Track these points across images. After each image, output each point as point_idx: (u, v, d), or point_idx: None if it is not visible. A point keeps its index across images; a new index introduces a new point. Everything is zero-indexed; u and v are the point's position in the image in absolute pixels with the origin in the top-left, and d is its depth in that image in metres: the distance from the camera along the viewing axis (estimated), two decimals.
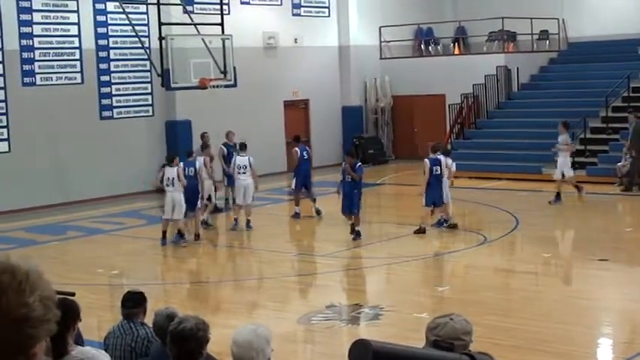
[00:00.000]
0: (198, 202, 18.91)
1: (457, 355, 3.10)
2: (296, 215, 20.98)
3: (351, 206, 18.07)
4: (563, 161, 21.98)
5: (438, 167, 18.71)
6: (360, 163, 18.61)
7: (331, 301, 13.60)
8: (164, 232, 18.38)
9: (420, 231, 18.55)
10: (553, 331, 11.70)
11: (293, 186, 21.22)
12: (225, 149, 22.37)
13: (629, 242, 18.09)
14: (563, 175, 21.89)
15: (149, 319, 7.55)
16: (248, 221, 19.94)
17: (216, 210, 21.86)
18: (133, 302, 7.71)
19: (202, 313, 11.37)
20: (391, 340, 2.90)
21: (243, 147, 20.48)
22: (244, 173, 20.08)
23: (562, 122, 22.54)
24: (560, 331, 11.72)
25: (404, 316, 12.82)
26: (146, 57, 24.13)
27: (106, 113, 25.33)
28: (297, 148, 21.63)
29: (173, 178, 18.11)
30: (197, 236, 18.83)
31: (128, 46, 25.53)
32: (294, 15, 30.25)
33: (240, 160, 20.31)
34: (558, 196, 21.68)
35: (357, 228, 17.97)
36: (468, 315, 4.29)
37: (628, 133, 23.78)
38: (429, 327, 4.07)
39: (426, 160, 18.85)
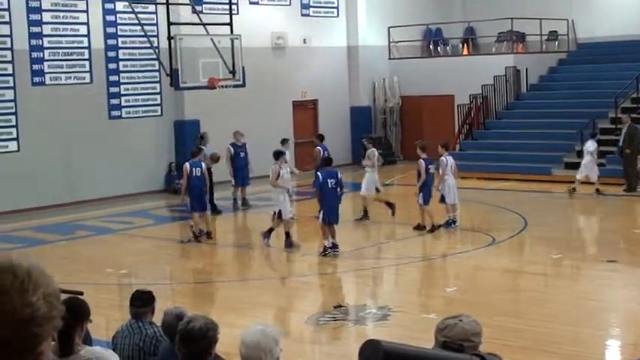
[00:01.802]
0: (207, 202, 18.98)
1: (467, 356, 3.09)
2: None
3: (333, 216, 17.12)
4: (372, 178, 20.60)
5: (431, 166, 18.94)
6: (318, 174, 17.51)
7: (339, 302, 13.59)
8: (287, 233, 17.83)
9: (434, 229, 18.71)
10: (562, 332, 11.68)
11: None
12: (232, 149, 22.41)
13: (638, 243, 18.04)
14: (377, 190, 20.79)
15: (157, 319, 7.55)
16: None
17: (216, 212, 21.70)
18: (142, 301, 7.71)
19: (210, 312, 11.38)
20: (399, 340, 2.89)
21: (284, 142, 21.21)
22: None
23: (368, 138, 22.30)
24: (568, 332, 11.70)
25: (412, 316, 12.80)
26: (155, 57, 24.17)
27: (114, 113, 25.36)
28: (319, 148, 21.54)
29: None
30: (209, 235, 18.87)
31: (137, 45, 25.55)
32: (302, 15, 30.25)
33: None
34: (365, 213, 20.40)
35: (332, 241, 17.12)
36: (477, 316, 4.28)
37: (623, 134, 23.76)
38: (438, 328, 4.06)
39: (421, 160, 18.90)
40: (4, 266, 2.07)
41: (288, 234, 17.71)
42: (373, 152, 21.08)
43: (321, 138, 22.37)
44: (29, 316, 2.05)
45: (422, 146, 19.30)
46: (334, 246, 16.91)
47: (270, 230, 17.95)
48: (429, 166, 18.85)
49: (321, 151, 21.26)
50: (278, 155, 18.30)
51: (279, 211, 17.70)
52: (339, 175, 17.22)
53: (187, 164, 18.85)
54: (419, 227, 18.93)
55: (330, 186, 16.88)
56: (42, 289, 2.08)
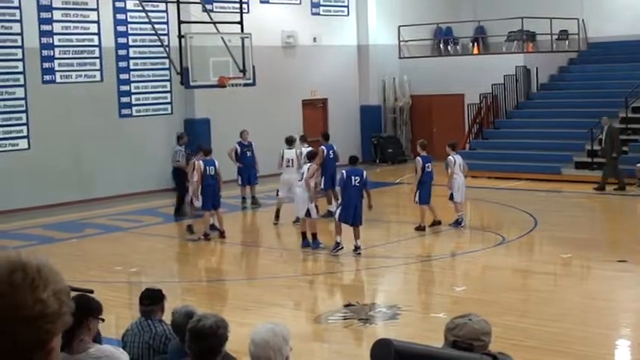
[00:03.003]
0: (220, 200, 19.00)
1: (478, 355, 3.10)
2: (330, 214, 20.25)
3: (357, 216, 16.87)
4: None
5: (430, 164, 18.89)
6: (343, 171, 17.29)
7: (349, 300, 13.59)
8: (304, 234, 17.56)
9: (422, 229, 18.75)
10: (571, 332, 11.65)
11: (322, 185, 20.25)
12: (238, 148, 22.44)
13: None
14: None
15: (167, 317, 7.57)
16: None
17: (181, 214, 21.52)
18: (151, 300, 7.73)
19: (219, 311, 11.40)
20: (409, 339, 2.89)
21: (292, 141, 20.94)
22: (292, 166, 20.36)
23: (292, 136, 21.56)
24: (578, 332, 11.67)
25: (421, 315, 12.80)
26: (165, 55, 24.19)
27: (125, 111, 25.39)
28: (322, 147, 21.44)
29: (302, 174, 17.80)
30: (222, 233, 18.88)
31: (147, 44, 25.58)
32: (313, 14, 30.25)
33: (287, 153, 20.69)
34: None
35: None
36: (486, 315, 4.28)
37: (604, 136, 23.82)
38: (447, 327, 4.05)
39: (419, 158, 18.90)
40: (14, 264, 2.08)
41: (305, 234, 17.59)
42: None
43: (326, 137, 22.32)
44: (40, 312, 2.06)
45: (422, 144, 19.31)
46: (357, 248, 16.72)
47: (305, 234, 17.60)
48: (427, 164, 18.83)
49: (325, 150, 21.10)
50: (313, 155, 18.25)
51: (308, 211, 17.45)
52: (364, 174, 17.02)
53: (201, 162, 18.85)
54: (420, 228, 18.89)
55: (353, 183, 16.70)
56: (52, 285, 2.09)
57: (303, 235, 17.57)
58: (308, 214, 17.43)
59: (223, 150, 22.39)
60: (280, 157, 20.85)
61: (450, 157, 19.24)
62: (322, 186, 20.38)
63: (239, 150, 22.48)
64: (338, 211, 16.87)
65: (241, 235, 20.47)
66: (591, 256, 16.56)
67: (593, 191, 23.29)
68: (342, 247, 16.77)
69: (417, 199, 18.91)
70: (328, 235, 17.84)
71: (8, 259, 2.09)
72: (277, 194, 20.81)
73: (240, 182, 22.61)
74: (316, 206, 18.47)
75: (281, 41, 29.02)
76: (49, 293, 2.07)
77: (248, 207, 22.75)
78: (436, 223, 19.04)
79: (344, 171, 17.18)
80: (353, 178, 16.74)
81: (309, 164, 17.75)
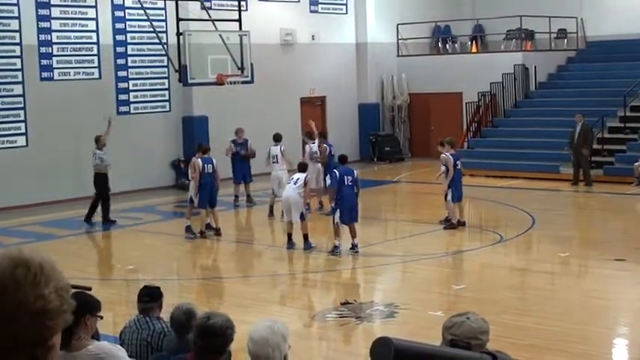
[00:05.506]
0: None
1: (478, 354, 3.09)
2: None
3: (353, 215, 16.82)
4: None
5: (459, 162, 18.77)
6: (335, 171, 17.13)
7: (346, 298, 13.59)
8: (290, 235, 17.37)
9: (453, 227, 18.63)
10: (569, 330, 11.65)
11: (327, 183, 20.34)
12: (233, 146, 22.41)
13: None
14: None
15: (165, 314, 7.56)
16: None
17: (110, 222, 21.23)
18: (150, 297, 7.72)
19: (217, 308, 11.39)
20: (406, 338, 2.89)
21: (278, 138, 21.25)
22: (278, 162, 20.35)
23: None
24: (576, 330, 11.68)
25: (419, 314, 12.79)
26: (164, 52, 24.16)
27: (123, 108, 25.37)
28: (326, 145, 21.51)
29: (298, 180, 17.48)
30: (218, 231, 18.86)
31: (146, 41, 25.56)
32: (311, 12, 30.23)
33: (273, 149, 20.86)
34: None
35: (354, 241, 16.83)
36: (484, 314, 4.27)
37: (575, 133, 23.91)
38: (445, 326, 4.04)
39: (449, 155, 18.75)
40: (17, 260, 2.09)
41: (291, 236, 17.43)
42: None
43: (325, 136, 22.45)
44: (42, 308, 2.07)
45: (450, 142, 19.16)
46: (354, 246, 16.68)
47: (290, 236, 17.37)
48: (457, 162, 18.75)
49: (328, 149, 21.25)
50: (304, 167, 18.12)
51: (302, 214, 17.22)
52: (355, 173, 17.03)
53: (199, 160, 18.77)
54: (450, 226, 18.77)
55: (347, 183, 16.62)
56: (54, 282, 2.10)
57: (289, 236, 17.38)
58: (302, 217, 17.33)
59: (222, 148, 22.34)
60: (267, 154, 20.98)
61: (443, 155, 19.18)
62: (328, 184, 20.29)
63: (234, 149, 22.45)
64: (337, 214, 16.71)
65: (237, 233, 20.46)
66: (589, 254, 16.58)
67: (591, 190, 23.31)
68: (340, 251, 16.69)
69: (449, 197, 18.77)
70: (327, 235, 17.79)
71: (11, 256, 2.11)
72: (273, 192, 20.79)
73: (235, 181, 22.57)
74: (308, 203, 18.42)
75: (279, 39, 29.00)
76: (51, 290, 2.09)
77: (241, 205, 22.68)
78: (461, 223, 18.94)
79: (336, 171, 16.98)
80: (346, 177, 16.67)
81: (303, 175, 17.47)
